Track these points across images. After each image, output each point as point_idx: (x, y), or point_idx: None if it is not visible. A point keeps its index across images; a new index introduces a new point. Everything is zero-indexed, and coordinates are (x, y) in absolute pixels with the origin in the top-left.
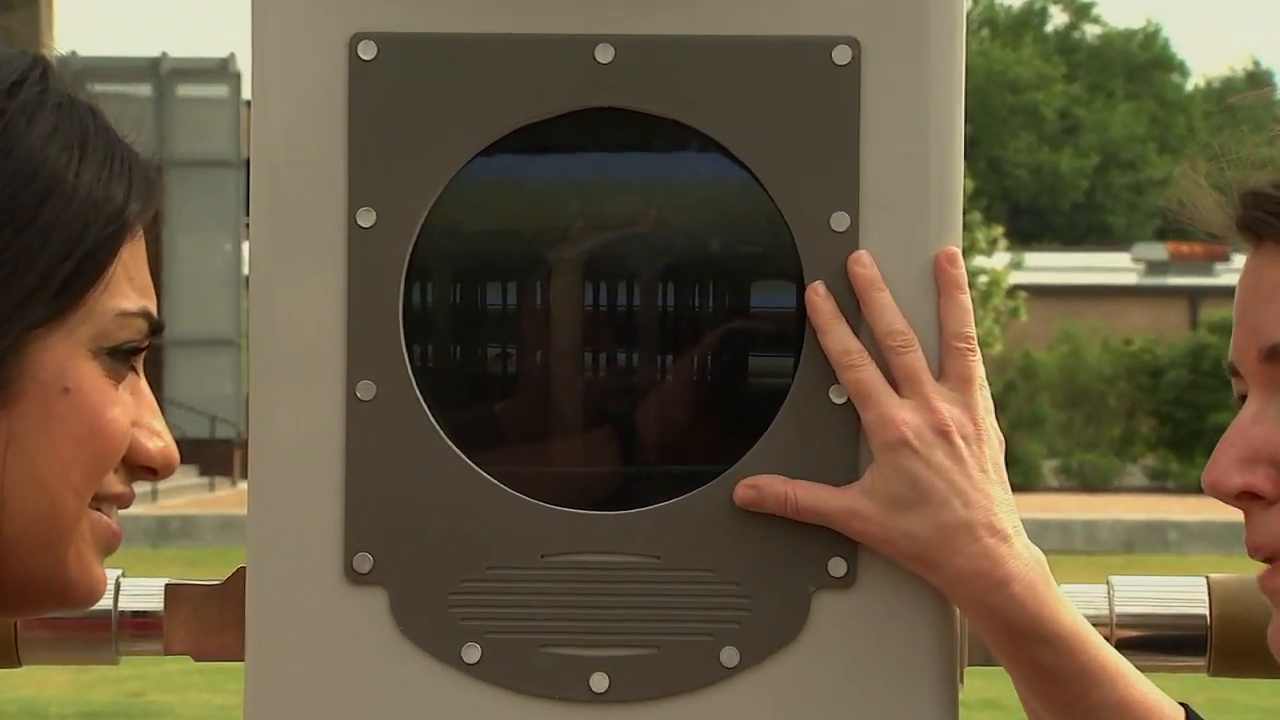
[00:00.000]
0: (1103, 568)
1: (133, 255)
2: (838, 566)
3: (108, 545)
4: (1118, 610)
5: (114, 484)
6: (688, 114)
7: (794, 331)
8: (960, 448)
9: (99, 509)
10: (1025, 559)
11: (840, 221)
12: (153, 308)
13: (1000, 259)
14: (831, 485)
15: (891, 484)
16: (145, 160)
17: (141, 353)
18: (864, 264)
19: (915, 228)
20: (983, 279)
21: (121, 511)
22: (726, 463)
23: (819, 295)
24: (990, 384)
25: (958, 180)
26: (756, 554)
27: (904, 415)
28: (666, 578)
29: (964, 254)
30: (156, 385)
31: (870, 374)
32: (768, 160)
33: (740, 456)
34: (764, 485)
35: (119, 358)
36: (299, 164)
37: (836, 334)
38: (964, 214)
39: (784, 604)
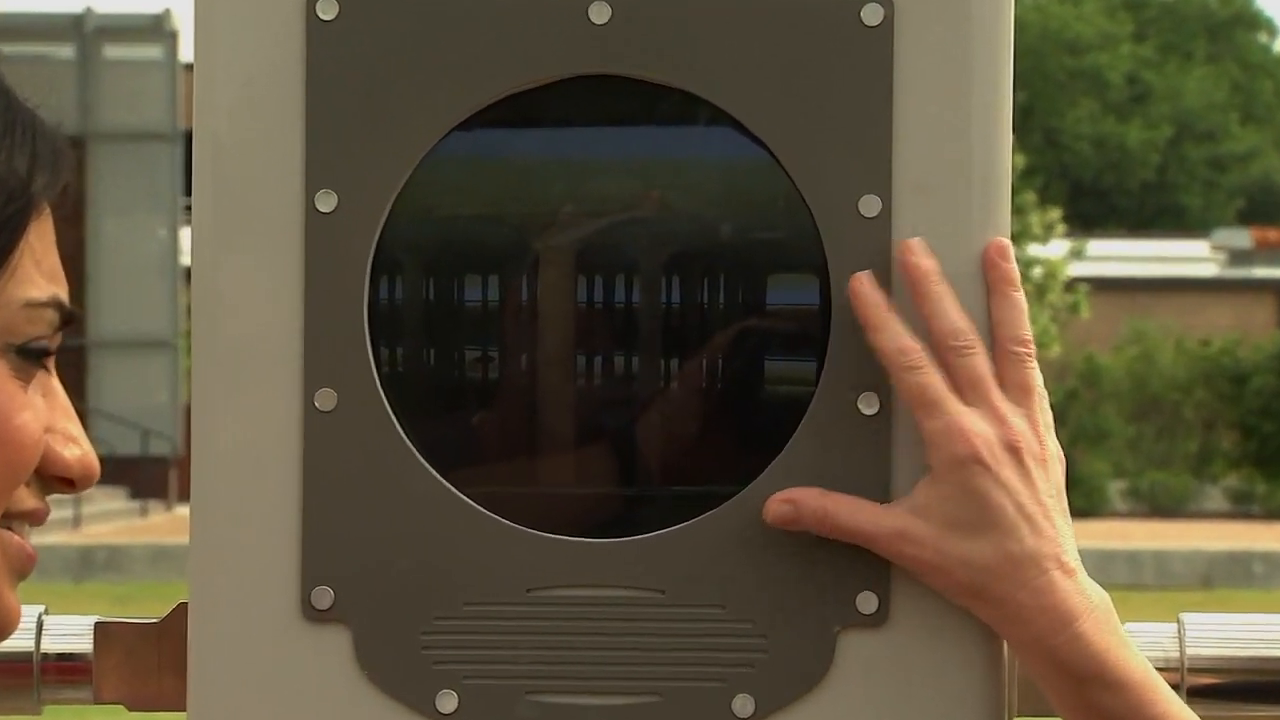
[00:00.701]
0: (1176, 604)
1: (39, 237)
2: (868, 602)
3: (21, 568)
4: (1189, 652)
5: (26, 499)
6: (695, 82)
7: (817, 331)
8: (1029, 467)
9: (9, 527)
10: (1091, 596)
11: (870, 206)
12: (64, 295)
13: (1058, 247)
14: (860, 495)
15: (953, 504)
16: (52, 127)
17: (52, 351)
18: (917, 253)
19: (957, 213)
20: (1037, 271)
21: (38, 541)
22: (739, 483)
23: (866, 286)
24: (1048, 393)
25: (1006, 157)
26: (774, 587)
27: (975, 427)
28: (671, 615)
29: (1015, 242)
30: (79, 393)
31: (934, 378)
32: (787, 135)
33: (755, 475)
34: (801, 500)
35: (28, 356)
36: (249, 139)
37: (891, 331)
38: (1015, 196)
39: (806, 645)
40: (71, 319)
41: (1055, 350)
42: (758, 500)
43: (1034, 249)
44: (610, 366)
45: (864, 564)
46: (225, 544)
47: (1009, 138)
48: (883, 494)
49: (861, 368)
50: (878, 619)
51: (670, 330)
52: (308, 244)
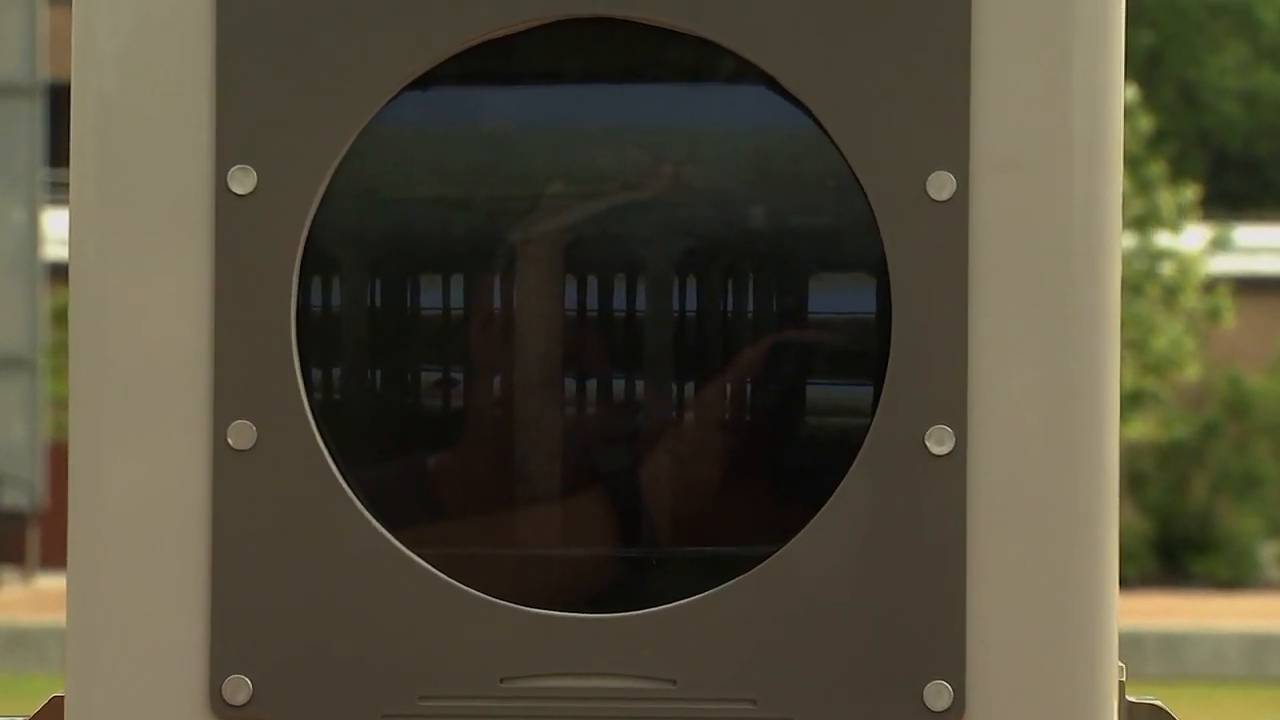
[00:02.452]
0: None
1: None
2: (939, 695)
3: None
4: None
5: None
6: (715, 28)
7: (873, 347)
8: None
9: None
10: None
11: (941, 186)
12: None
13: (1195, 236)
14: (929, 564)
15: None
16: None
17: None
18: None
19: (1054, 194)
20: (1167, 267)
21: None
22: (772, 542)
23: None
24: (1182, 424)
25: (1117, 122)
26: (818, 676)
27: None
28: (687, 712)
29: (1139, 228)
30: None
31: None
32: (836, 96)
33: (792, 533)
34: None
35: None
36: (143, 100)
37: None
38: (1140, 169)
39: None
40: None
41: (1191, 371)
42: (796, 564)
43: (1164, 239)
44: (608, 393)
45: (934, 646)
46: (113, 622)
47: (1120, 97)
48: (955, 554)
49: (931, 394)
50: (951, 714)
51: (684, 346)
52: (219, 235)
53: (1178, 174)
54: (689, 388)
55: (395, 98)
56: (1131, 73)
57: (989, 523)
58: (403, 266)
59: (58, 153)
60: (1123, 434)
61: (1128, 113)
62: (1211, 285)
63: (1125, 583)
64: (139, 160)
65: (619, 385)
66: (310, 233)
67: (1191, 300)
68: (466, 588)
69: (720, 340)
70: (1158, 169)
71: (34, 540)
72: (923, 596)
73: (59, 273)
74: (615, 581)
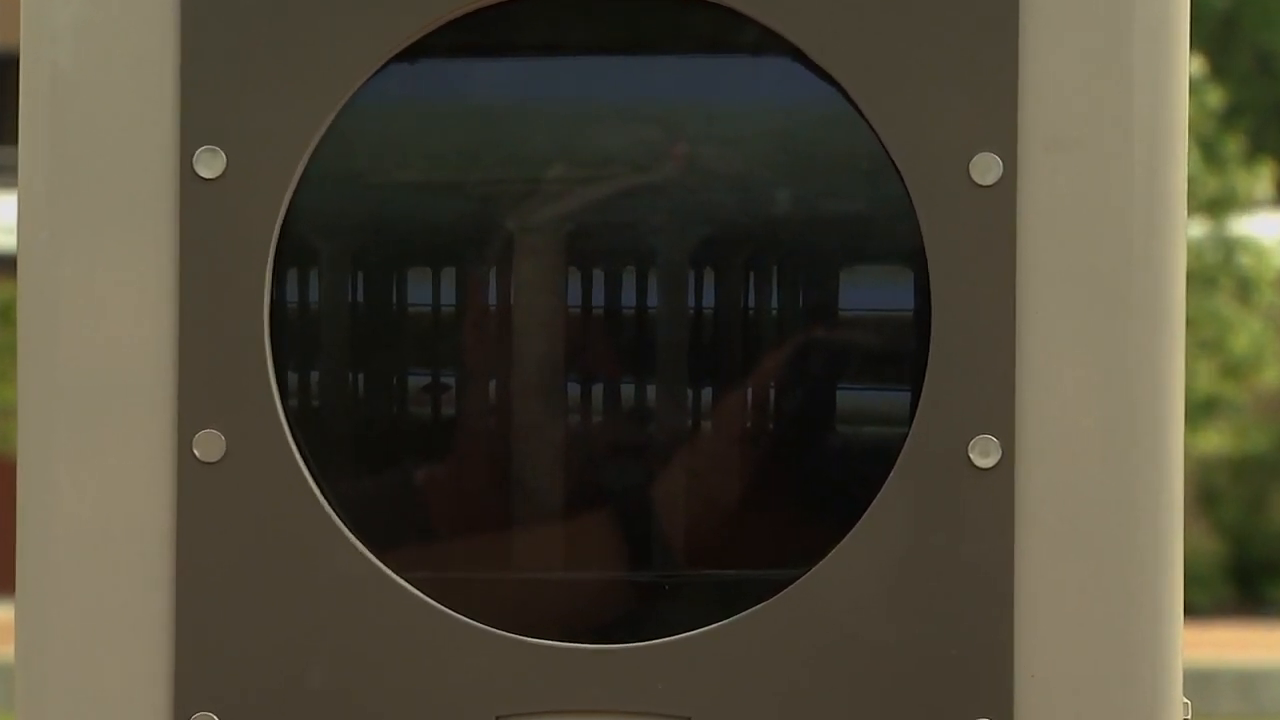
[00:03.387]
0: None
1: None
2: None
3: None
4: None
5: None
6: None
7: (910, 347)
8: None
9: None
10: None
11: (986, 169)
12: None
13: (1273, 222)
14: (973, 589)
15: None
16: None
17: None
18: None
19: (1110, 177)
20: (1243, 257)
21: None
22: (798, 564)
23: None
24: (1259, 434)
25: (1181, 97)
26: (848, 715)
27: None
28: None
29: (1212, 213)
30: None
31: None
32: (869, 70)
33: (821, 555)
34: None
35: None
36: (100, 74)
37: None
38: (1212, 146)
39: None
40: None
41: (1270, 374)
42: (824, 590)
43: (1240, 224)
44: (615, 399)
45: (978, 681)
46: (66, 655)
47: (1185, 66)
48: (1001, 580)
49: (975, 400)
50: None
51: (700, 348)
52: (184, 224)
53: (1254, 151)
54: (705, 394)
55: (380, 71)
56: (1200, 40)
57: (1039, 544)
58: (388, 258)
59: (4, 131)
60: (1194, 445)
61: (1196, 85)
62: None
63: (1195, 611)
64: (95, 141)
65: (627, 391)
66: (285, 221)
67: (1269, 295)
68: (458, 615)
69: (740, 341)
70: (1232, 147)
71: None
72: (965, 627)
73: (6, 265)
74: (623, 608)
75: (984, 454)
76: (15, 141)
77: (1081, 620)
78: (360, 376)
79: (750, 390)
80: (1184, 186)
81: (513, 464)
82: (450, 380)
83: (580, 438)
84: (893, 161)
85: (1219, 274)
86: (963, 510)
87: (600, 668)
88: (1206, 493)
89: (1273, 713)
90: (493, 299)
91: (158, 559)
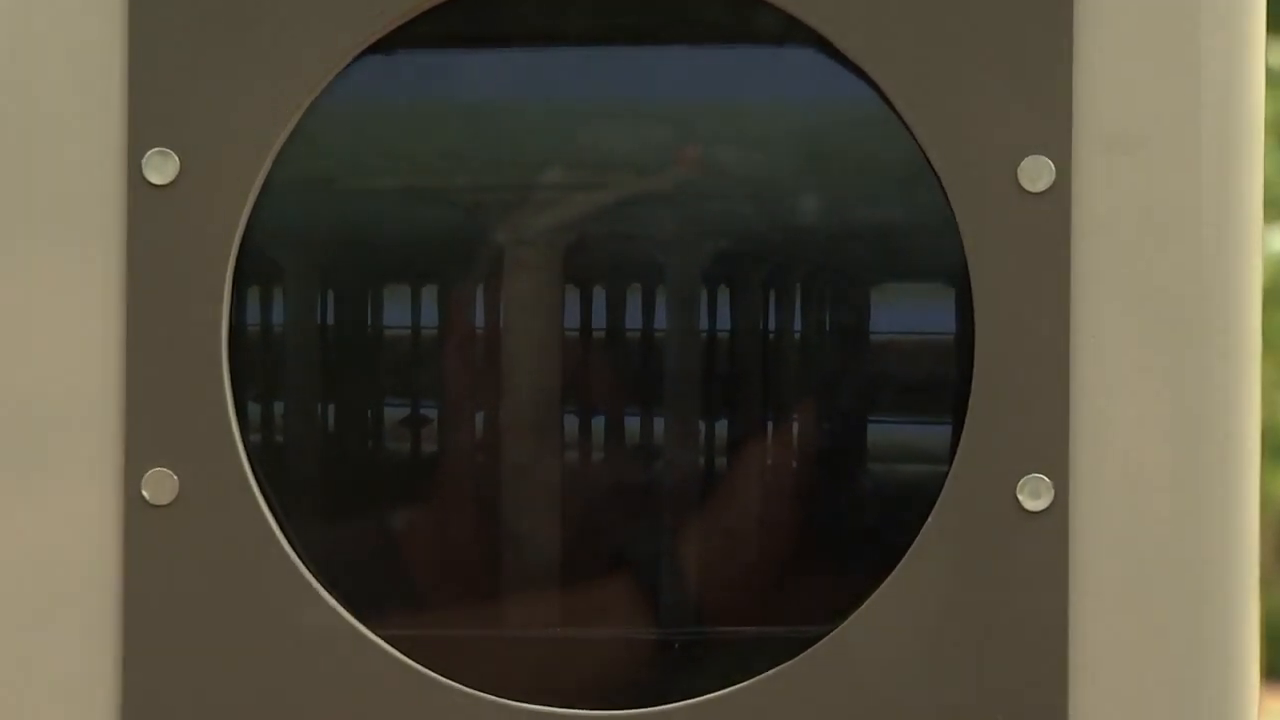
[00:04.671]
0: None
1: None
2: None
3: None
4: None
5: None
6: None
7: (951, 376)
8: None
9: None
10: None
11: (1036, 173)
12: None
13: None
14: (1022, 648)
15: None
16: None
17: None
18: None
19: (1175, 183)
20: None
21: None
22: (827, 620)
23: None
24: None
25: (1256, 90)
26: None
27: None
28: None
29: None
30: None
31: None
32: (904, 64)
33: (851, 610)
34: None
35: None
36: (38, 67)
37: None
38: None
39: None
40: None
41: None
42: (854, 649)
43: None
44: (619, 436)
45: None
46: None
47: (1261, 56)
48: (1054, 637)
49: (1024, 435)
50: None
51: (716, 377)
52: (132, 235)
53: None
54: (721, 428)
55: (353, 63)
56: (1278, 26)
57: (1096, 598)
58: (363, 276)
59: None
60: (1272, 487)
61: (1273, 77)
62: None
63: (1274, 675)
64: (32, 142)
65: (632, 427)
66: (246, 232)
67: None
68: (441, 678)
69: (759, 370)
70: None
71: None
72: (1013, 690)
73: None
74: (628, 671)
75: (1034, 496)
76: None
77: (1144, 683)
78: (331, 409)
79: (770, 425)
80: (1259, 191)
81: (504, 509)
82: (433, 413)
83: (580, 479)
84: (931, 165)
85: None
86: (1010, 559)
87: None
88: None
89: None
90: (482, 321)
91: (101, 615)
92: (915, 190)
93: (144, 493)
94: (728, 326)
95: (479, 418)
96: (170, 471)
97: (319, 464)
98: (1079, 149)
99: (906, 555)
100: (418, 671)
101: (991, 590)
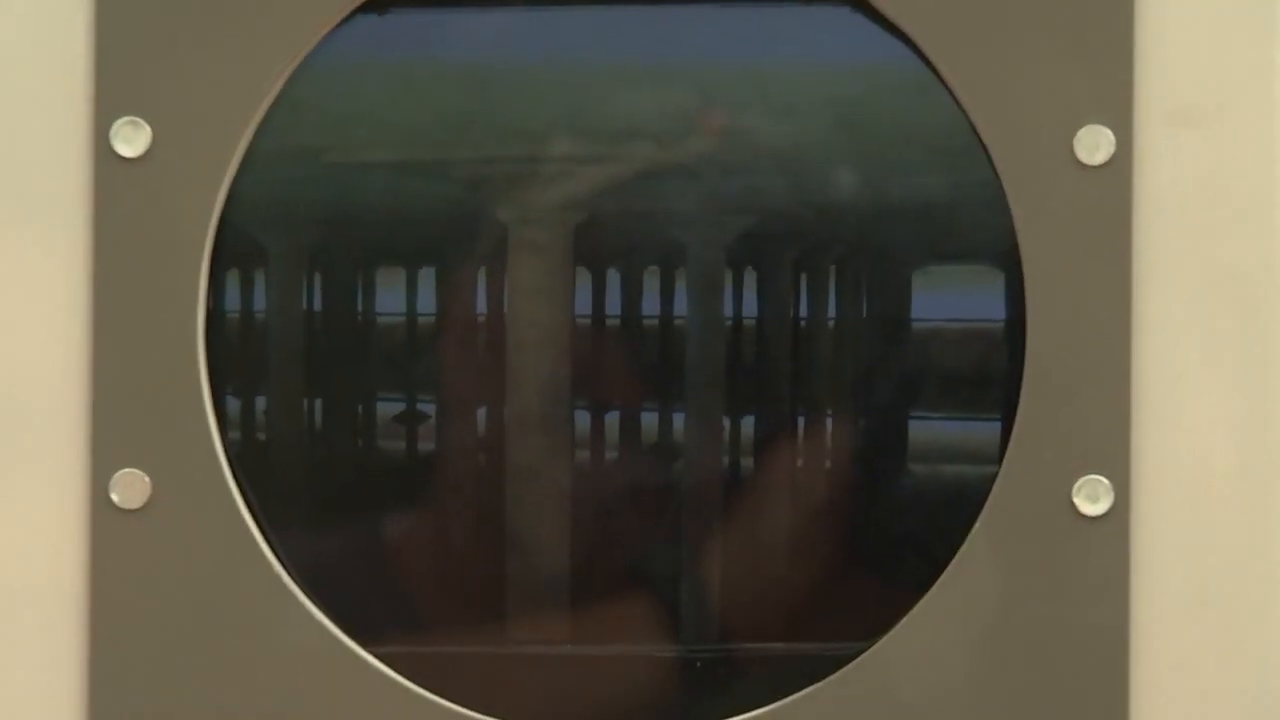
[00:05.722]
0: None
1: None
2: None
3: None
4: None
5: None
6: None
7: (999, 368)
8: None
9: None
10: None
11: (1094, 145)
12: None
13: None
14: (1078, 665)
15: None
16: None
17: None
18: None
19: (1247, 156)
20: None
21: None
22: (862, 636)
23: None
24: None
25: None
26: None
27: None
28: None
29: None
30: None
31: None
32: (949, 24)
33: (891, 624)
34: None
35: None
36: None
37: None
38: None
39: None
40: None
41: None
42: (894, 667)
43: None
44: (634, 434)
45: None
46: None
47: None
48: (1114, 653)
49: (1081, 432)
50: None
51: (741, 368)
52: (99, 213)
53: None
54: (747, 424)
55: (343, 23)
56: None
57: (1160, 609)
58: (353, 258)
59: None
60: None
61: None
62: None
63: None
64: None
65: (649, 424)
66: (225, 210)
67: None
68: (437, 698)
69: (788, 361)
70: None
71: None
72: (1069, 709)
73: None
74: (645, 691)
75: (1092, 499)
76: None
77: (1212, 702)
78: (318, 404)
79: (802, 422)
80: None
81: (509, 514)
82: (428, 409)
83: (591, 482)
84: (978, 135)
85: None
86: (1065, 568)
87: None
88: None
89: None
90: (484, 308)
91: (66, 630)
92: (961, 163)
93: (113, 496)
94: (755, 314)
95: (481, 415)
96: (141, 473)
97: (305, 465)
98: (1141, 118)
99: (951, 565)
100: (413, 692)
101: (1044, 603)
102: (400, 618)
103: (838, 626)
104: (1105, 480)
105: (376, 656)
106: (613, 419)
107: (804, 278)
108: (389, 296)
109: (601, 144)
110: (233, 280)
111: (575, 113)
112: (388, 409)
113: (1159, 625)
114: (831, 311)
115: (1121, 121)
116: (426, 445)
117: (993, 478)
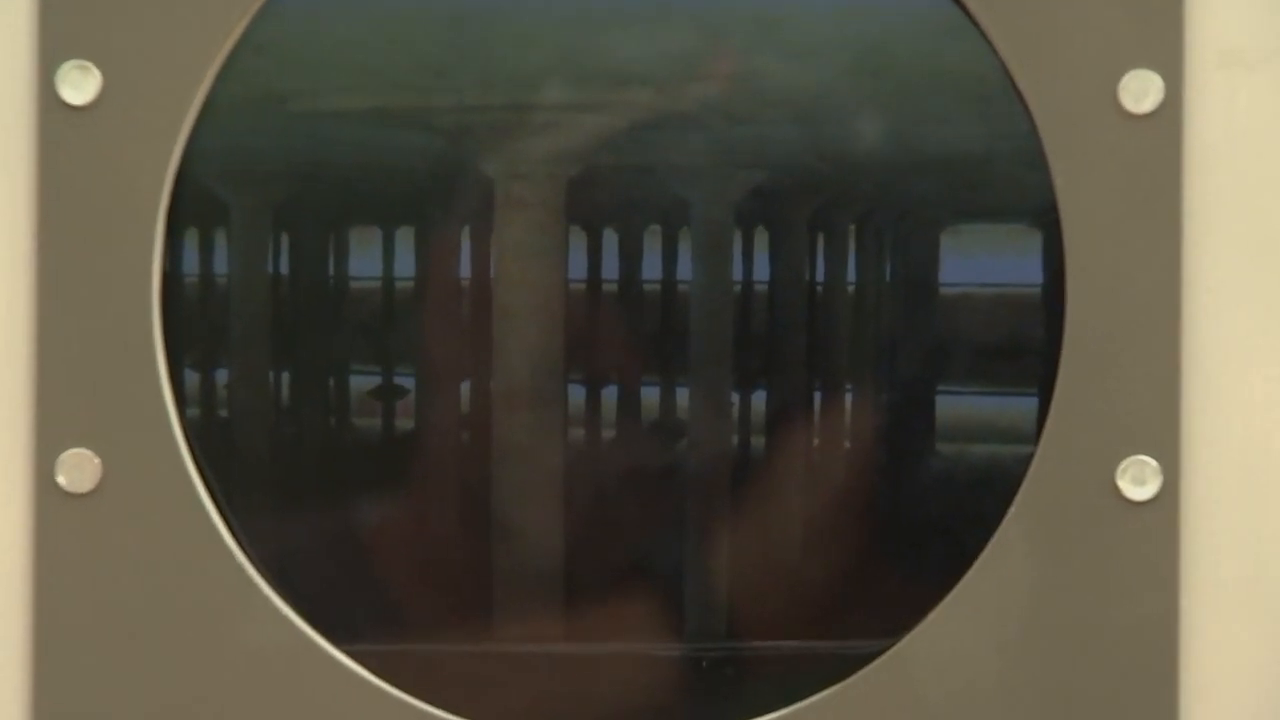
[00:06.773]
0: None
1: None
2: None
3: None
4: None
5: None
6: None
7: (1037, 338)
8: None
9: None
10: None
11: (1142, 92)
12: None
13: None
14: (1124, 659)
15: None
16: None
17: None
18: None
19: None
20: None
21: None
22: (888, 632)
23: None
24: None
25: None
26: None
27: None
28: None
29: None
30: None
31: None
32: None
33: (919, 617)
34: None
35: None
36: None
37: None
38: None
39: None
40: None
41: None
42: (922, 663)
43: None
44: (634, 411)
45: None
46: None
47: None
48: (1163, 647)
49: (1126, 410)
50: None
51: (752, 339)
52: (44, 167)
53: None
54: (759, 401)
55: None
56: None
57: (1211, 599)
58: (324, 216)
59: None
60: None
61: None
62: None
63: None
64: None
65: (650, 400)
66: (183, 163)
67: None
68: (420, 703)
69: (804, 329)
70: None
71: None
72: (1113, 706)
73: None
74: (646, 693)
75: (1138, 482)
76: None
77: (1266, 696)
78: (284, 378)
79: (820, 398)
80: None
81: (495, 500)
82: (408, 383)
83: (586, 464)
84: (1013, 82)
85: None
86: (1109, 556)
87: None
88: None
89: None
90: (468, 272)
91: (8, 623)
92: (994, 111)
93: (59, 478)
94: (766, 278)
95: (465, 390)
96: (91, 453)
97: (271, 445)
98: (1192, 62)
99: (982, 554)
100: (388, 694)
101: (1087, 592)
102: (374, 613)
103: (857, 622)
104: (1152, 461)
105: (348, 654)
106: (610, 394)
107: (820, 238)
108: (363, 259)
109: (597, 90)
110: (191, 241)
111: (568, 55)
112: (362, 383)
113: (1211, 619)
114: (851, 275)
115: (1171, 66)
116: (405, 423)
117: (1029, 459)
